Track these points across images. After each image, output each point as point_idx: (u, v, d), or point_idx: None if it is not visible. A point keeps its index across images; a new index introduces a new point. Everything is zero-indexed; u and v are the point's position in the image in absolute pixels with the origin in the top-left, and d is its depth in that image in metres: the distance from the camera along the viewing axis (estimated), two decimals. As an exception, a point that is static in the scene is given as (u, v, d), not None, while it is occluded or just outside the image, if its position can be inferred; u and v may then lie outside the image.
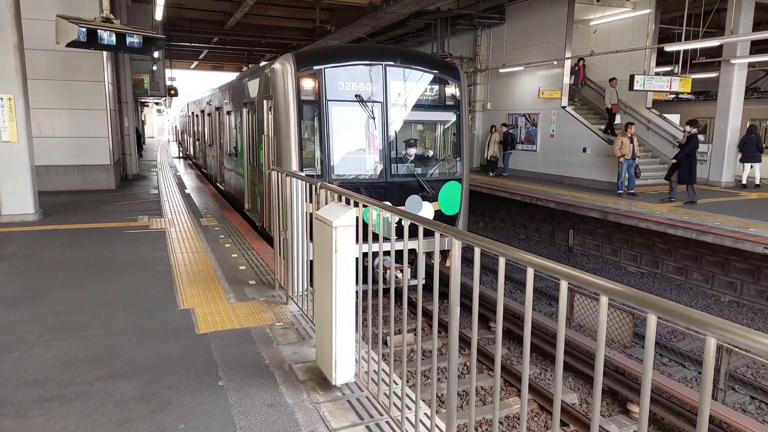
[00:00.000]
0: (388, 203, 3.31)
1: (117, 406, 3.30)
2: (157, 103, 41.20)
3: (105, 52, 12.26)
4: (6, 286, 5.69)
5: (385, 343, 7.79)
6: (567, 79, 16.76)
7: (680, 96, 20.26)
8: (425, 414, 3.16)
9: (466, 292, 8.40)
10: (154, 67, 19.61)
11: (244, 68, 31.23)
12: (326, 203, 3.82)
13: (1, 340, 4.27)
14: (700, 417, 1.46)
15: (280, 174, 5.14)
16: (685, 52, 15.85)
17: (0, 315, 4.82)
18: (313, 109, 7.87)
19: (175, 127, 44.83)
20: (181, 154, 29.52)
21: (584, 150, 15.94)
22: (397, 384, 3.52)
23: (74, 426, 3.10)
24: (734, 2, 13.64)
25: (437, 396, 6.56)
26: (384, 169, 8.14)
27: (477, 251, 2.45)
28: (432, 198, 8.39)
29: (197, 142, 22.20)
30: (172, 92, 24.34)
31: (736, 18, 13.72)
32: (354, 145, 8.27)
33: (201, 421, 3.16)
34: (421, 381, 6.99)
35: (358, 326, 3.56)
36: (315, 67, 7.84)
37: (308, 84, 7.78)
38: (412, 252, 6.89)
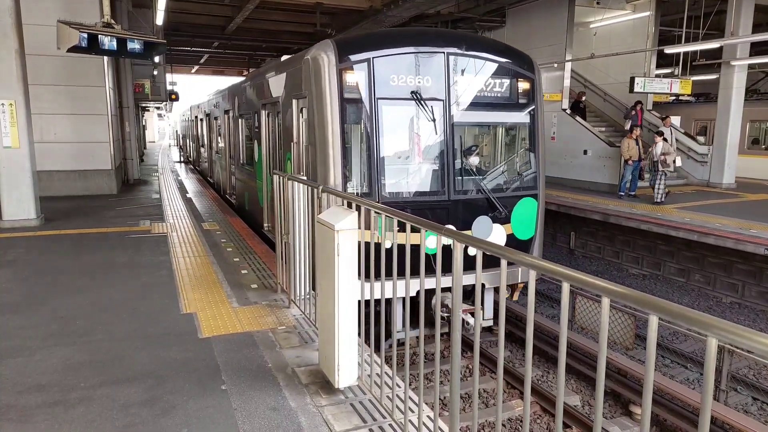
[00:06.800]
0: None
1: (121, 411, 3.31)
2: (158, 108, 41.29)
3: (106, 57, 12.30)
4: (9, 291, 5.71)
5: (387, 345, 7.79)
6: (567, 82, 16.79)
7: (680, 98, 20.28)
8: (428, 417, 3.17)
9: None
10: (155, 72, 19.67)
11: (245, 72, 31.25)
12: (328, 206, 3.83)
13: (5, 346, 4.28)
14: (701, 418, 1.47)
15: (281, 178, 5.16)
16: (686, 54, 15.88)
17: (3, 320, 4.83)
18: (359, 110, 6.36)
19: (176, 131, 44.90)
20: (182, 159, 29.60)
21: (585, 152, 15.96)
22: (399, 387, 3.53)
23: (78, 431, 3.11)
24: (734, 4, 13.67)
25: (440, 399, 6.56)
26: (447, 185, 6.63)
27: (479, 254, 2.46)
28: (504, 219, 6.97)
29: (201, 149, 20.53)
30: (173, 97, 24.40)
31: (735, 20, 13.74)
32: (409, 155, 6.71)
33: (204, 425, 3.17)
34: (424, 384, 7.00)
35: (361, 330, 3.56)
36: (362, 57, 6.32)
37: (353, 78, 6.28)
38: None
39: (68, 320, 4.83)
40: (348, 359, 3.44)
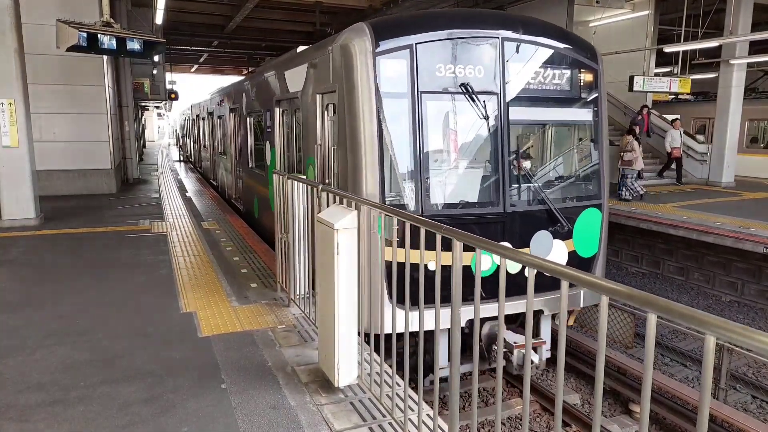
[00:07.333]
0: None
1: (120, 410, 3.31)
2: (157, 107, 41.26)
3: (105, 57, 12.29)
4: (9, 291, 5.71)
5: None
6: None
7: (680, 96, 20.30)
8: (428, 415, 3.17)
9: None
10: (155, 71, 19.66)
11: (245, 71, 31.22)
12: (327, 206, 3.83)
13: (5, 345, 4.28)
14: (699, 416, 1.48)
15: (281, 177, 5.17)
16: (685, 52, 15.89)
17: (3, 319, 4.83)
18: (399, 107, 5.39)
19: (176, 130, 44.87)
20: (182, 158, 29.62)
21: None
22: (399, 386, 3.54)
23: (77, 429, 3.11)
24: (733, 3, 13.67)
25: (439, 397, 6.56)
26: (502, 195, 5.67)
27: (478, 252, 2.46)
28: (566, 234, 6.01)
29: (203, 149, 19.65)
30: (173, 96, 24.37)
31: (734, 19, 13.75)
32: (458, 160, 5.75)
33: (204, 423, 3.17)
34: (423, 383, 7.00)
35: (360, 328, 3.56)
36: (402, 42, 5.32)
37: (393, 68, 5.31)
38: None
39: (68, 319, 4.83)
40: (347, 358, 3.45)
